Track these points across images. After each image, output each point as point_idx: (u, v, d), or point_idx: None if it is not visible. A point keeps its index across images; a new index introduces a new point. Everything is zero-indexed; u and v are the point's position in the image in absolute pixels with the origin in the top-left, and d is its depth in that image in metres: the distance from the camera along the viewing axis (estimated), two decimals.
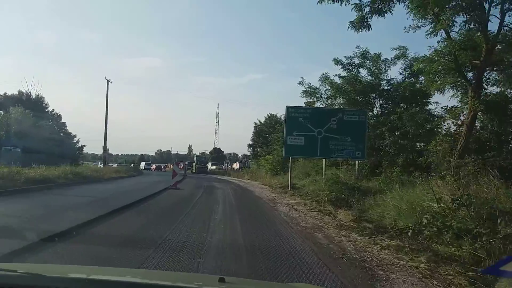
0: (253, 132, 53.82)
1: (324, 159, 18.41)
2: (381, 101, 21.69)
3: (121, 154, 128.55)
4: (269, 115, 53.28)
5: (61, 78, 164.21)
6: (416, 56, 18.23)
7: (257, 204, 13.47)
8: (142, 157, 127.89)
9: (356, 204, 10.67)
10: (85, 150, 59.71)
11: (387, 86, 21.46)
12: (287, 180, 20.26)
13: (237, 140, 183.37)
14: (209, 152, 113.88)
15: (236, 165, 61.97)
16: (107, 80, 40.46)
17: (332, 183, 13.70)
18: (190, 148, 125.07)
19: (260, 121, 54.12)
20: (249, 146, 53.82)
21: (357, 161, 17.56)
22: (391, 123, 18.24)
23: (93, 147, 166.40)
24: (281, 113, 51.78)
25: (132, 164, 56.36)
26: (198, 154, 63.24)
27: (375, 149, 19.07)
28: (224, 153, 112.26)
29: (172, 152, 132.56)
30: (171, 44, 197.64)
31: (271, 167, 29.95)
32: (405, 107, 19.33)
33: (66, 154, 41.77)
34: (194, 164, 58.30)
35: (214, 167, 64.70)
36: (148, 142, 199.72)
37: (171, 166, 65.70)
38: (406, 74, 20.73)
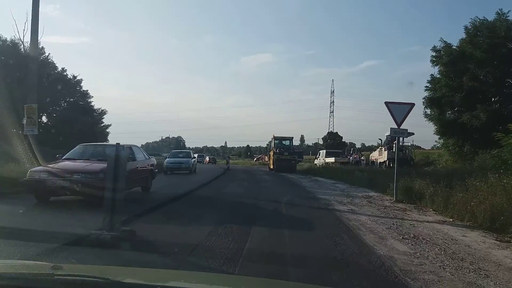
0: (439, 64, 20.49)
1: None
2: None
3: (237, 147, 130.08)
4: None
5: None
6: None
7: None
8: (248, 148, 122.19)
9: None
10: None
11: None
12: None
13: (354, 133, 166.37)
14: (322, 138, 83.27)
15: (380, 155, 29.27)
16: None
17: None
18: (302, 139, 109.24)
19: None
20: (427, 102, 20.48)
21: None
22: None
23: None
24: None
25: None
26: (278, 136, 31.92)
27: None
28: (342, 139, 79.97)
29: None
30: (283, 39, 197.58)
31: None
32: None
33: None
34: (271, 154, 30.38)
35: (331, 160, 33.09)
36: (260, 134, 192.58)
37: (266, 157, 45.56)
38: None
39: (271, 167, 30.25)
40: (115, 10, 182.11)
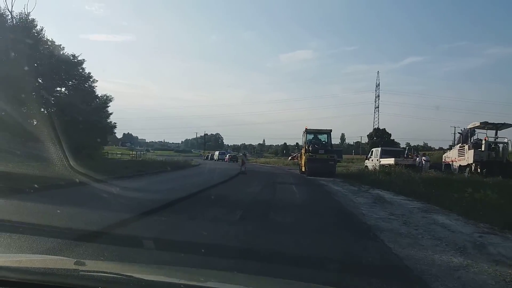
0: None
1: None
2: None
3: (275, 145, 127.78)
4: None
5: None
6: None
7: None
8: (286, 146, 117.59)
9: None
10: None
11: None
12: None
13: (397, 131, 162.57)
14: (368, 135, 74.39)
15: (461, 156, 21.00)
16: None
17: None
18: (342, 137, 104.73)
19: None
20: None
21: None
22: None
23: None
24: None
25: None
26: (311, 128, 24.63)
27: None
28: (391, 136, 70.62)
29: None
30: (324, 35, 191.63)
31: None
32: None
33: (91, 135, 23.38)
34: (303, 152, 24.49)
35: (389, 161, 24.80)
36: (298, 132, 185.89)
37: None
38: None
39: (303, 169, 23.65)
40: (156, 6, 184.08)
